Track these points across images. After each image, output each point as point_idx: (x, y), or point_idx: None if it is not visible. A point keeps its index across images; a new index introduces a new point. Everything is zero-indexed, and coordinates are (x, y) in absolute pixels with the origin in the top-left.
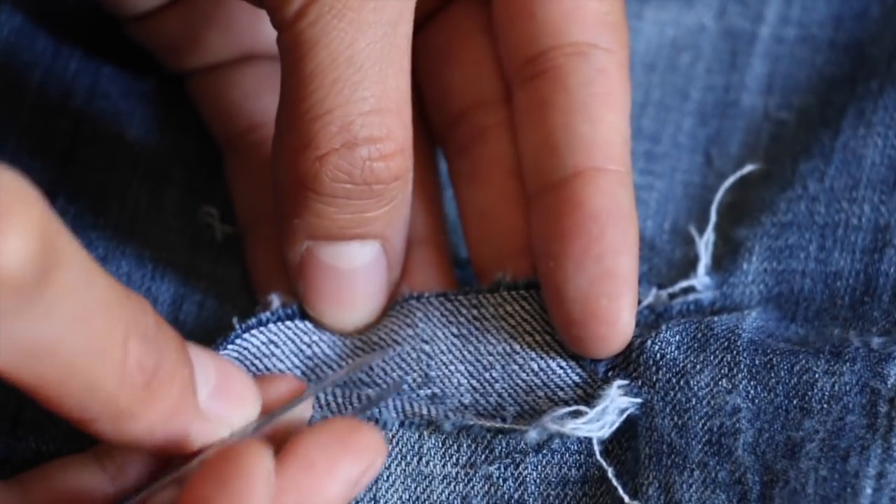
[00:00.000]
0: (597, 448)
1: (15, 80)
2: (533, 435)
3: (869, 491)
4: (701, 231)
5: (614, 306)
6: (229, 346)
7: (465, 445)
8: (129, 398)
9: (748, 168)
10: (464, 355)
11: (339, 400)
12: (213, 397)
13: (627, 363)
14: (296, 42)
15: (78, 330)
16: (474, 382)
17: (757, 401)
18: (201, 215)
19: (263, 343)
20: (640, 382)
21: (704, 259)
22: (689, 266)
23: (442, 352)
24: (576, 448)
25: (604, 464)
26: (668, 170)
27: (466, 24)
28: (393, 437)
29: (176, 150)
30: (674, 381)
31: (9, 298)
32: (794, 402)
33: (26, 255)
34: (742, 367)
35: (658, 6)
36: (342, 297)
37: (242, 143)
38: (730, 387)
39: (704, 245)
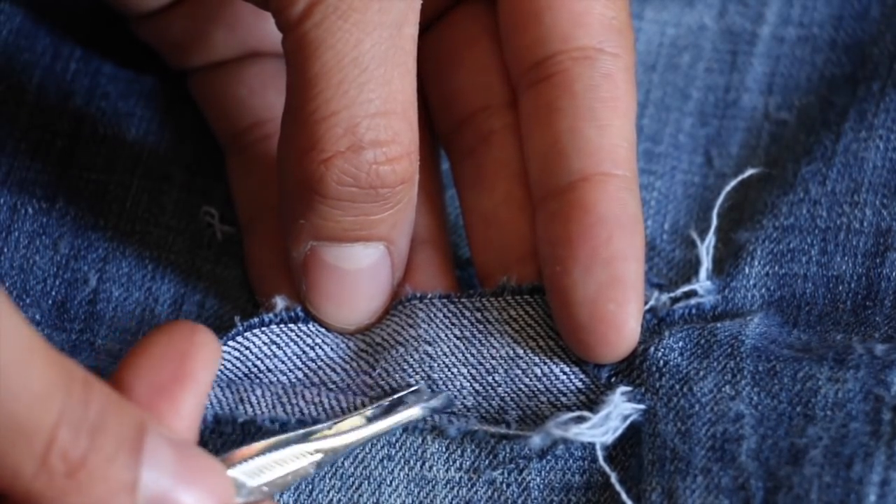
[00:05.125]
0: (600, 454)
1: (15, 81)
2: (536, 440)
3: (873, 498)
4: (701, 233)
5: (621, 312)
6: (229, 344)
7: (468, 450)
8: (46, 486)
9: (749, 172)
10: (466, 358)
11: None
12: (165, 495)
13: (631, 369)
14: (301, 43)
15: (1, 411)
16: (477, 386)
17: (760, 407)
18: (201, 215)
19: (265, 344)
20: (643, 389)
21: (706, 263)
22: (690, 266)
23: (444, 354)
24: (579, 454)
25: (607, 469)
26: (668, 170)
27: (472, 28)
28: (396, 441)
29: (176, 150)
30: (677, 387)
31: None
32: (798, 408)
33: None
34: (745, 373)
35: (658, 6)
36: (345, 297)
37: (245, 140)
38: (733, 393)
39: (706, 249)
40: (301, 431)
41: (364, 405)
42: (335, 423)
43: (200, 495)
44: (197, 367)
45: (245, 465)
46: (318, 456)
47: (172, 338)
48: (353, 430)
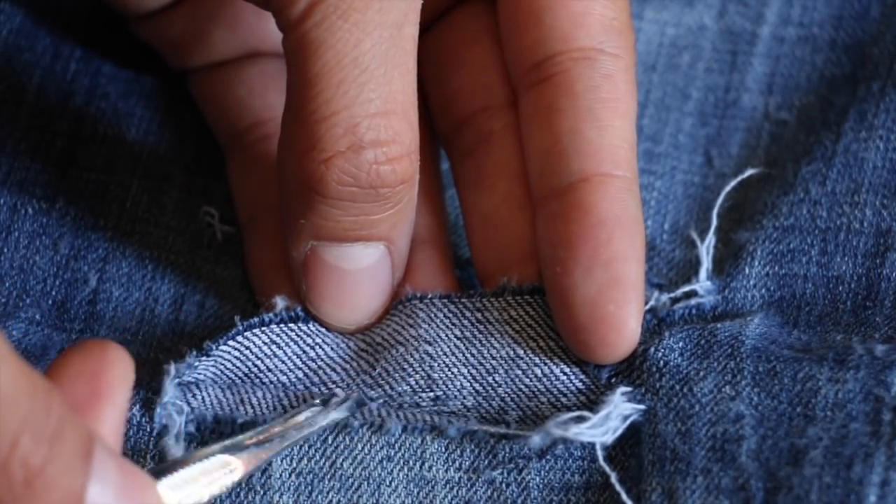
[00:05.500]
0: (600, 454)
1: (15, 81)
2: (536, 440)
3: (873, 499)
4: (701, 233)
5: (621, 313)
6: (229, 343)
7: (468, 450)
8: (5, 491)
9: (749, 172)
10: (467, 358)
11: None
12: None
13: (631, 370)
14: (301, 43)
15: None
16: (477, 386)
17: (760, 408)
18: (201, 215)
19: (266, 343)
20: (643, 389)
21: (706, 263)
22: (690, 266)
23: (445, 354)
24: (579, 454)
25: (607, 469)
26: (668, 170)
27: (473, 28)
28: (395, 442)
29: (176, 150)
30: (677, 387)
31: None
32: (798, 409)
33: None
34: (745, 374)
35: (658, 6)
36: (345, 297)
37: (245, 140)
38: (733, 394)
39: (706, 249)
40: (225, 443)
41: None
42: (256, 434)
43: None
44: (112, 383)
45: (169, 479)
46: (237, 472)
47: (84, 357)
48: (269, 443)
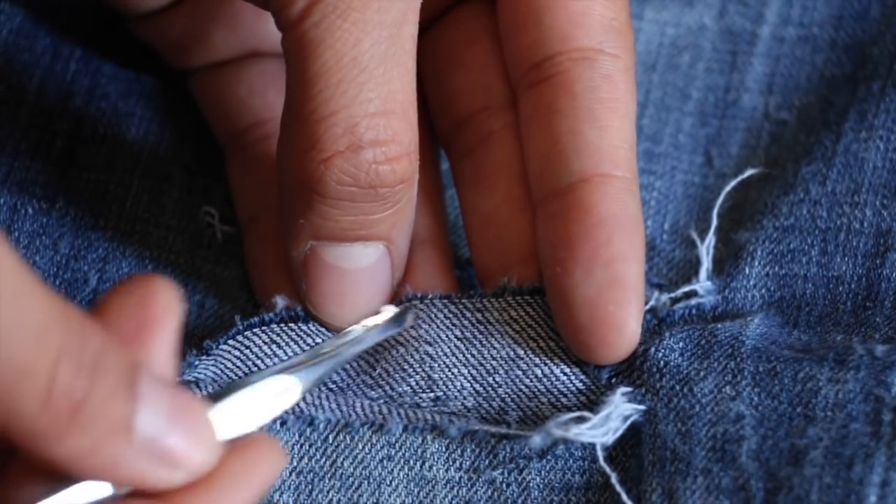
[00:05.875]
0: (600, 454)
1: (15, 81)
2: (537, 440)
3: (873, 499)
4: (701, 233)
5: (621, 313)
6: (229, 343)
7: (468, 450)
8: (50, 424)
9: (749, 172)
10: (467, 359)
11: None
12: (159, 436)
13: (631, 370)
14: (300, 43)
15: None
16: (477, 386)
17: (761, 408)
18: (201, 215)
19: (266, 343)
20: (643, 389)
21: (706, 263)
22: (690, 266)
23: (445, 354)
24: (580, 454)
25: (608, 470)
26: (668, 170)
27: (472, 28)
28: (396, 441)
29: (176, 150)
30: (677, 388)
31: None
32: (798, 409)
33: None
34: (746, 374)
35: (658, 6)
36: (345, 296)
37: (245, 139)
38: (733, 394)
39: (706, 249)
40: (280, 366)
41: (364, 405)
42: (310, 355)
43: (191, 437)
44: (159, 313)
45: (225, 403)
46: (295, 392)
47: (128, 291)
48: (324, 362)
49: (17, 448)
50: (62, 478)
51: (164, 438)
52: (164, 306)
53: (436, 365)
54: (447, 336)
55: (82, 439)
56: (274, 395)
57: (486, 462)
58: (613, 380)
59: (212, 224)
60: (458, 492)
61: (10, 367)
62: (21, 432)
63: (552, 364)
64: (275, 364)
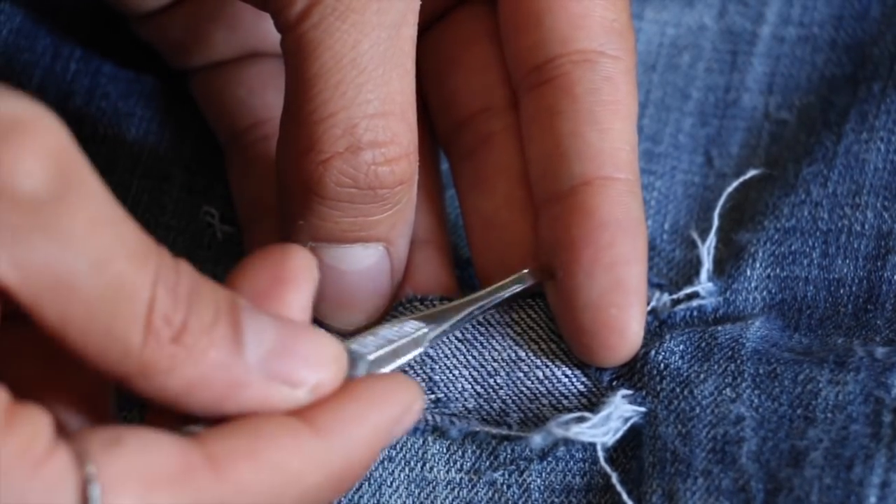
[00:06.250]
0: (601, 455)
1: (15, 81)
2: (537, 440)
3: (873, 500)
4: (702, 233)
5: (624, 316)
6: None
7: (469, 451)
8: (156, 352)
9: (751, 173)
10: (468, 360)
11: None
12: (272, 358)
13: (632, 373)
14: (299, 44)
15: (99, 267)
16: (478, 388)
17: (761, 410)
18: (201, 215)
19: None
20: (644, 392)
21: (707, 264)
22: (690, 266)
23: (446, 356)
24: (580, 456)
25: (608, 471)
26: (668, 170)
27: (472, 29)
28: (397, 442)
29: (176, 150)
30: (678, 390)
31: (23, 215)
32: (798, 411)
33: (42, 175)
34: (746, 376)
35: (658, 6)
36: (344, 298)
37: (245, 139)
38: (734, 396)
39: (707, 250)
40: (410, 316)
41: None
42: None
43: (309, 353)
44: (295, 270)
45: (359, 339)
46: (427, 330)
47: (265, 253)
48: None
49: (131, 392)
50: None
51: (279, 358)
52: (301, 268)
53: (437, 367)
54: (448, 338)
55: (192, 368)
56: (407, 338)
57: (487, 463)
58: (614, 382)
59: (212, 224)
60: (458, 493)
61: (109, 288)
62: (134, 370)
63: (553, 366)
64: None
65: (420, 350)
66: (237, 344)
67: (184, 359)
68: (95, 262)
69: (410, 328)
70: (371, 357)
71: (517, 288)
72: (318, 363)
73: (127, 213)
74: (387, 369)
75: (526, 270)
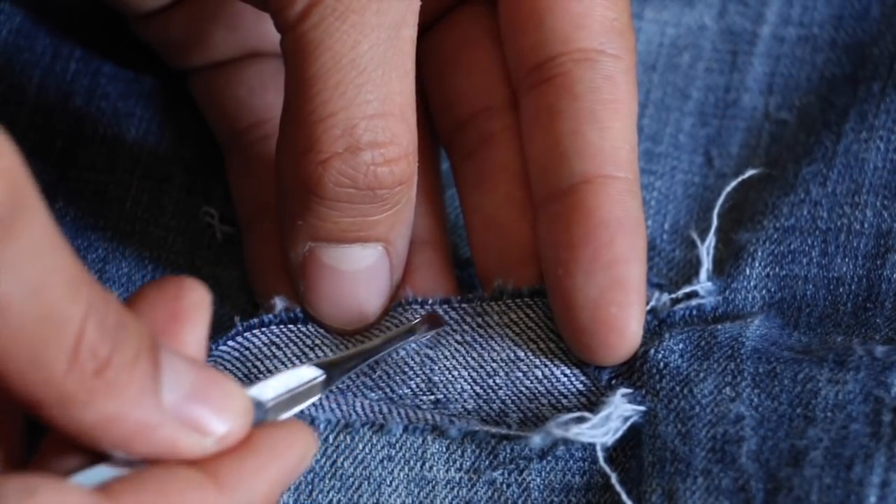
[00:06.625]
0: (601, 455)
1: (15, 81)
2: (537, 440)
3: (873, 499)
4: (702, 233)
5: (623, 315)
6: (229, 344)
7: (469, 451)
8: (77, 384)
9: (749, 172)
10: (467, 361)
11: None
12: (185, 403)
13: (631, 372)
14: (299, 45)
15: (35, 294)
16: (478, 389)
17: (761, 409)
18: (201, 215)
19: (265, 344)
20: (643, 391)
21: (706, 264)
22: (690, 266)
23: (445, 357)
24: (580, 455)
25: (608, 470)
26: (668, 170)
27: (473, 29)
28: (396, 442)
29: (176, 150)
30: (677, 389)
31: None
32: (798, 410)
33: None
34: (745, 375)
35: (658, 6)
36: (343, 298)
37: (245, 139)
38: (733, 395)
39: (706, 249)
40: (307, 363)
41: (365, 403)
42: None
43: (219, 402)
44: (190, 306)
45: (257, 387)
46: (323, 377)
47: (160, 286)
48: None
49: (42, 421)
50: (93, 454)
51: (192, 404)
52: (196, 301)
53: (436, 367)
54: (447, 339)
55: (109, 404)
56: (302, 385)
57: (487, 462)
58: (613, 381)
59: (212, 224)
60: (458, 492)
61: (40, 316)
62: (53, 397)
63: (552, 365)
64: (280, 364)
65: (316, 398)
66: (155, 384)
67: (103, 393)
68: (33, 288)
69: (307, 374)
70: (270, 404)
71: (410, 338)
72: (227, 413)
73: (67, 244)
74: (284, 416)
75: (418, 320)
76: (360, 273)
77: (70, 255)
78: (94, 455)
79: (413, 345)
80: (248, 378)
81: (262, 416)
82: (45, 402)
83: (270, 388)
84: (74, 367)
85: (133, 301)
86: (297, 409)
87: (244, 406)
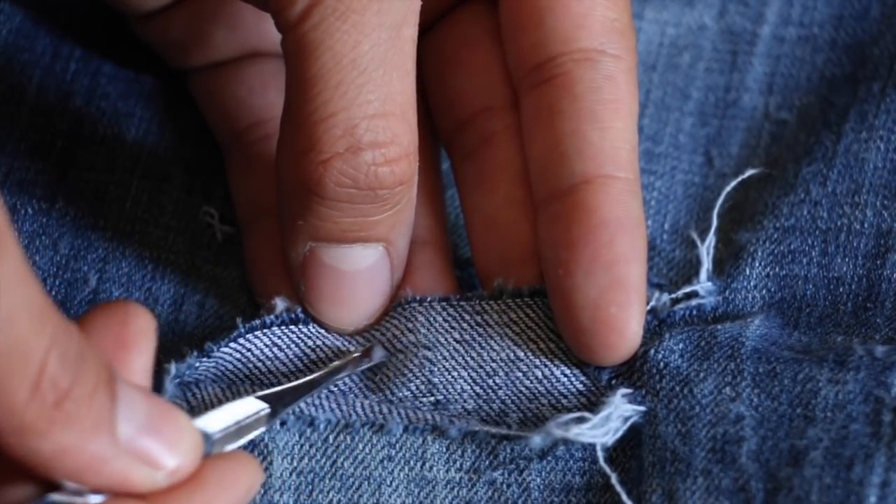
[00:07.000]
0: (601, 455)
1: (14, 81)
2: (537, 441)
3: (873, 499)
4: (702, 233)
5: (623, 315)
6: (231, 346)
7: (469, 451)
8: (37, 414)
9: (749, 172)
10: (467, 361)
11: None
12: (139, 436)
13: (631, 371)
14: (299, 45)
15: (3, 325)
16: (477, 389)
17: (761, 409)
18: (201, 215)
19: (267, 346)
20: (643, 391)
21: (706, 264)
22: (690, 266)
23: (445, 358)
24: (580, 455)
25: (608, 470)
26: (668, 170)
27: (474, 29)
28: (396, 442)
29: (176, 150)
30: (677, 389)
31: None
32: (798, 410)
33: None
34: (745, 375)
35: (658, 6)
36: (343, 298)
37: (245, 139)
38: (733, 395)
39: (706, 249)
40: (256, 394)
41: (364, 406)
42: (286, 387)
43: (171, 437)
44: (136, 333)
45: (204, 419)
46: (269, 409)
47: (107, 312)
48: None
49: None
50: (45, 483)
51: (145, 438)
52: (142, 327)
53: (435, 369)
54: (446, 339)
55: (66, 435)
56: (248, 418)
57: (487, 463)
58: (613, 381)
59: (212, 224)
60: (458, 492)
61: (10, 346)
62: (12, 426)
63: (552, 365)
64: (270, 372)
65: (263, 429)
66: (111, 416)
67: (61, 424)
68: (1, 320)
69: (253, 407)
70: (217, 436)
71: (352, 369)
72: (179, 448)
73: (35, 276)
74: (231, 447)
75: (358, 353)
76: (360, 273)
77: (38, 288)
78: (46, 485)
79: (411, 346)
80: (249, 379)
81: (209, 449)
82: (3, 429)
83: (217, 420)
84: (35, 398)
85: (82, 326)
86: (242, 442)
87: (195, 440)
